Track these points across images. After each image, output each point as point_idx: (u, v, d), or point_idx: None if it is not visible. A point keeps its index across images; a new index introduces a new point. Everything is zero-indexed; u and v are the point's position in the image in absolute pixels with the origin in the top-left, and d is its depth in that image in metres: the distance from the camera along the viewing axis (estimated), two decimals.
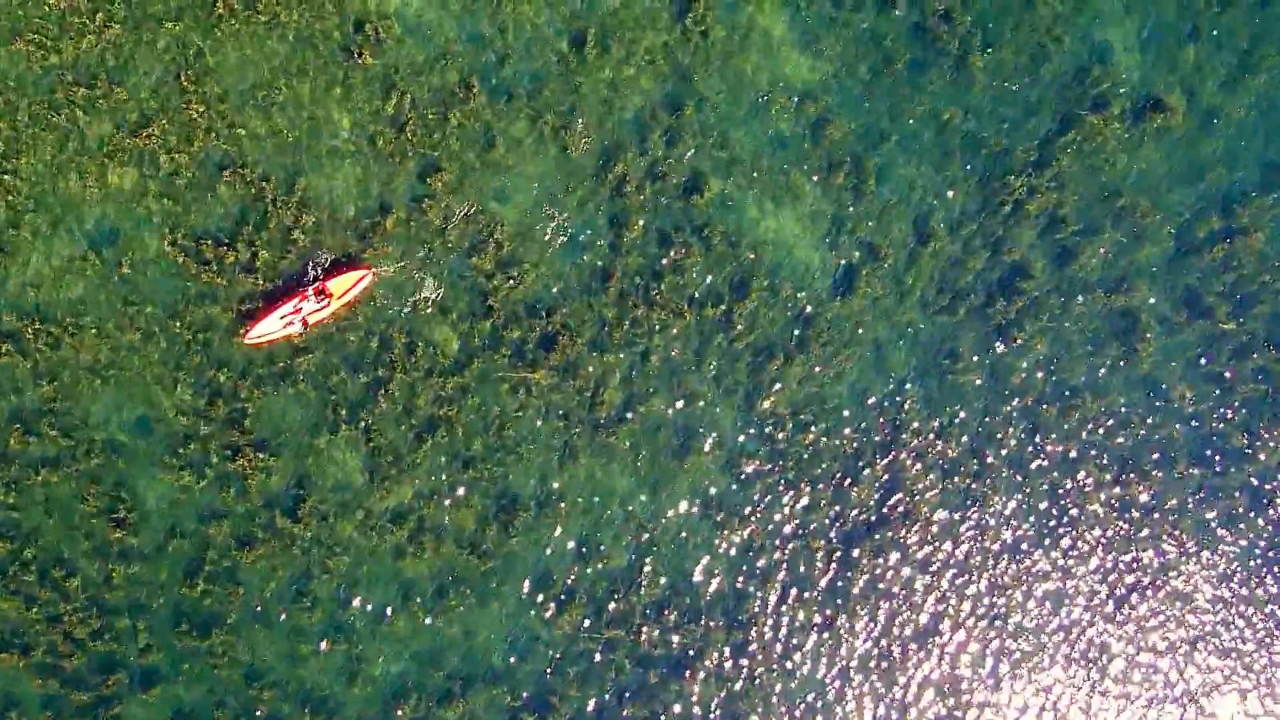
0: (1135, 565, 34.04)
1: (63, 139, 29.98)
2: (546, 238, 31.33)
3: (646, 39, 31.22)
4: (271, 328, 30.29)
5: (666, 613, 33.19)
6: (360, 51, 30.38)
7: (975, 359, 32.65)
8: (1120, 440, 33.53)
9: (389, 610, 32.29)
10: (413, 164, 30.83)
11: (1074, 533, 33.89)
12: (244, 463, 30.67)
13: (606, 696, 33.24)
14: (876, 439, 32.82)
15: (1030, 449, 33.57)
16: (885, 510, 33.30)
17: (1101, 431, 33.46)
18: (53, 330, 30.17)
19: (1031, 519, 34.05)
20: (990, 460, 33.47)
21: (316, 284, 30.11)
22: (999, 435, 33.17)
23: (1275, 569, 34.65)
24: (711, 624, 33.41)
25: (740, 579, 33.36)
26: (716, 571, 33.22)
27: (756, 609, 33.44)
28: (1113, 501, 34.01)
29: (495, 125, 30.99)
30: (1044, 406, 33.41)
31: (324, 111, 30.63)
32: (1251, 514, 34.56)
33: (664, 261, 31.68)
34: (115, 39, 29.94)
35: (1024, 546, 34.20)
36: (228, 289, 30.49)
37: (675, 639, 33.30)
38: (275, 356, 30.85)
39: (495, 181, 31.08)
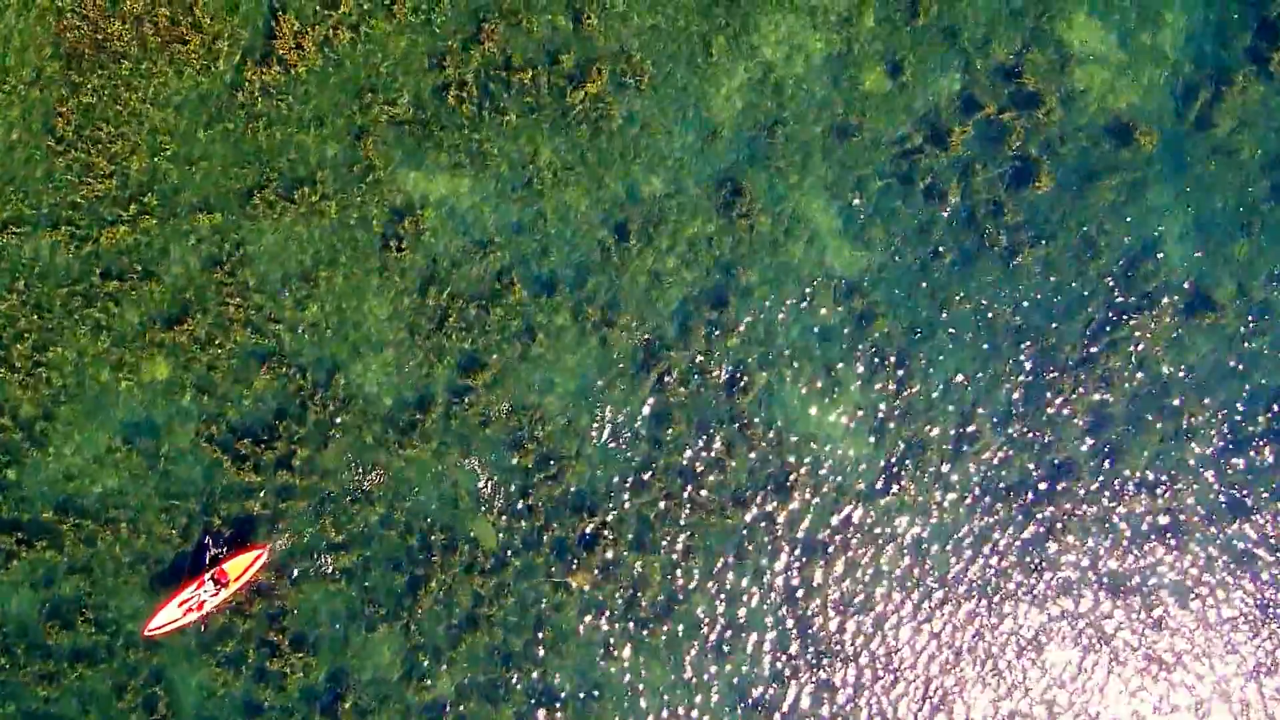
0: None
1: (96, 330, 29.73)
2: (588, 433, 30.91)
3: (690, 229, 30.80)
4: (172, 616, 29.68)
5: None
6: (400, 243, 29.98)
7: (1019, 559, 32.13)
8: (1162, 640, 32.97)
9: None
10: (452, 357, 30.42)
11: None
12: (281, 662, 30.24)
13: None
14: (918, 641, 32.28)
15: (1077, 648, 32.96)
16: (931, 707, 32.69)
17: (1147, 634, 32.80)
18: (86, 524, 29.75)
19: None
20: (1033, 658, 32.85)
21: (215, 569, 29.48)
22: (1043, 639, 32.60)
23: None
24: None
25: None
26: None
27: None
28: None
29: (536, 317, 30.58)
30: (1090, 605, 32.85)
31: (362, 303, 30.25)
32: None
33: (706, 458, 31.17)
34: (149, 230, 29.61)
35: None
36: (265, 485, 30.09)
37: None
38: (310, 553, 30.43)
39: (536, 373, 30.64)
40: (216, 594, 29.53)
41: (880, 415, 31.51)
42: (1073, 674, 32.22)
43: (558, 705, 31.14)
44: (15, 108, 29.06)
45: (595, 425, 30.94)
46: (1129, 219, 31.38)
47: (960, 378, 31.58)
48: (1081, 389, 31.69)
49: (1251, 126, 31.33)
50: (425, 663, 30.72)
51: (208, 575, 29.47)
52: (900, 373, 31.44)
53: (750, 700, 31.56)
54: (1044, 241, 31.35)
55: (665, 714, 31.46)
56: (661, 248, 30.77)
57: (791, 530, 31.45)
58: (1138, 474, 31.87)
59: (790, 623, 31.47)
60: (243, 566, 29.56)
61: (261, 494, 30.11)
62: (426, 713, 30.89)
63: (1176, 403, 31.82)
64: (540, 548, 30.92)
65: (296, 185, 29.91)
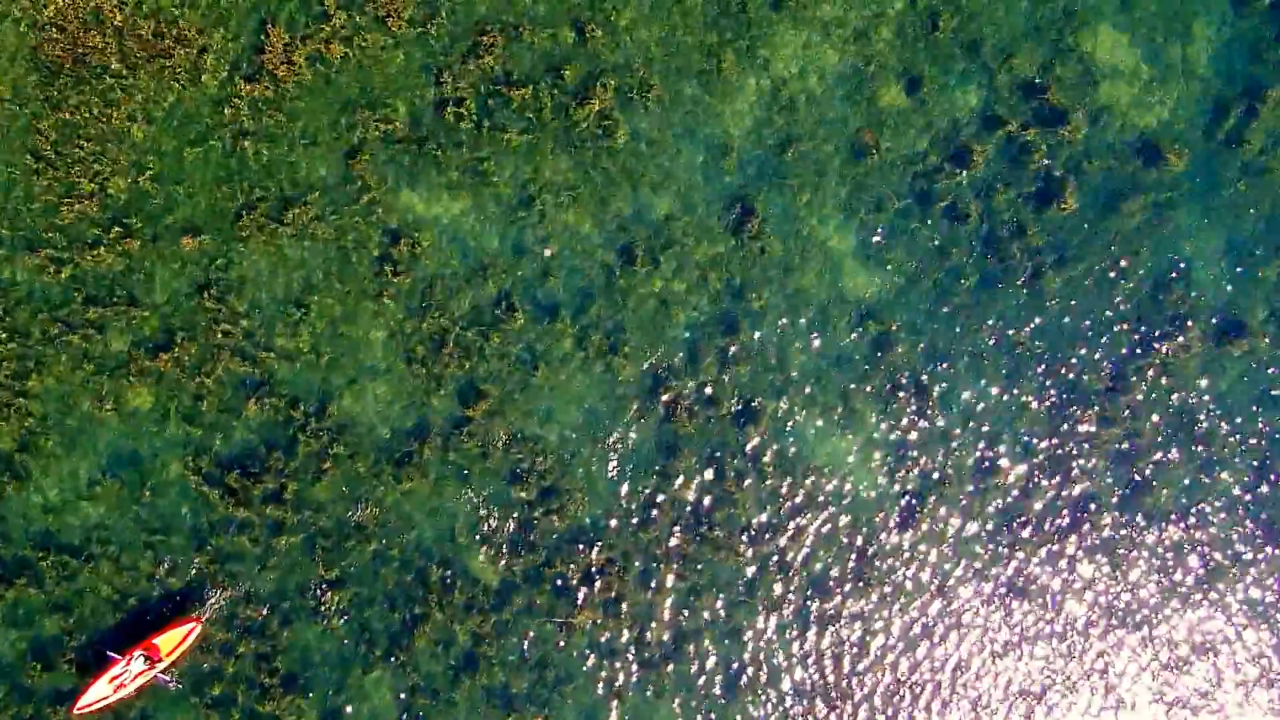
0: None
1: (77, 358, 28.49)
2: (592, 465, 29.65)
3: (699, 252, 29.55)
4: (102, 693, 28.15)
5: None
6: (395, 266, 28.73)
7: (1042, 597, 30.88)
8: (1191, 676, 31.72)
9: None
10: (450, 386, 29.17)
11: None
12: (273, 705, 28.93)
13: None
14: (934, 682, 31.02)
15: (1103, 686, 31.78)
16: None
17: (1176, 674, 31.58)
18: (68, 560, 28.46)
19: None
20: (1058, 700, 31.63)
21: (144, 642, 28.05)
22: (1070, 675, 31.35)
23: None
24: None
25: None
26: None
27: None
28: None
29: (538, 344, 29.33)
30: (1118, 640, 31.59)
31: (356, 329, 29.00)
32: None
33: (715, 492, 29.91)
34: (133, 253, 28.35)
35: None
36: (254, 520, 28.83)
37: None
38: (305, 592, 29.16)
39: (537, 403, 29.40)
40: (148, 670, 28.09)
41: (897, 446, 30.26)
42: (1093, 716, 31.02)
43: None
44: None
45: (599, 457, 29.65)
46: (1156, 241, 30.11)
47: (981, 406, 30.33)
48: (1106, 418, 30.40)
49: None
50: (423, 705, 29.41)
51: (137, 651, 28.00)
52: (918, 401, 30.18)
53: None
54: (1068, 264, 30.09)
55: None
56: (669, 271, 29.52)
57: (804, 566, 30.17)
58: (1165, 506, 30.60)
59: (803, 662, 30.21)
60: (176, 641, 28.25)
61: (251, 529, 28.88)
62: None
63: (1205, 432, 30.55)
64: (542, 584, 29.67)
65: (287, 206, 28.64)
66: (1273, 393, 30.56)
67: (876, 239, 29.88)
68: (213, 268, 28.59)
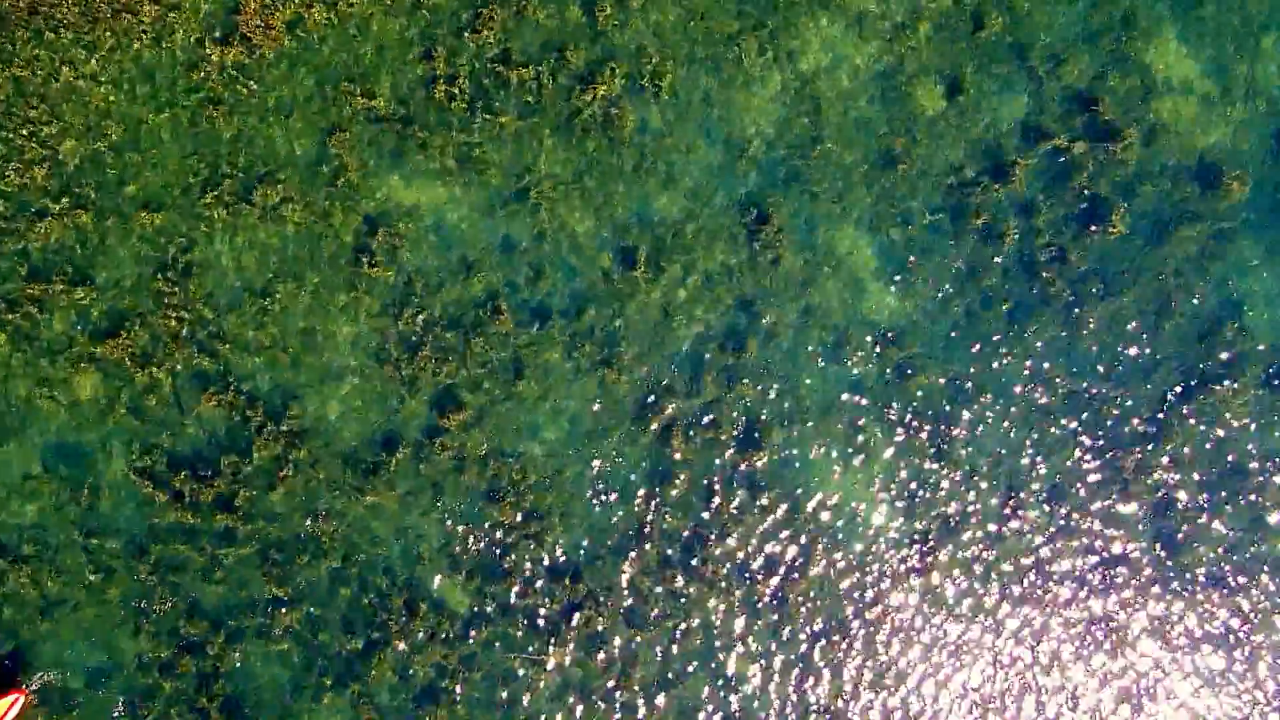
0: None
1: (17, 339, 26.00)
2: (578, 488, 27.07)
3: (707, 260, 26.92)
4: None
5: None
6: (372, 257, 26.16)
7: (1068, 662, 28.17)
8: None
9: None
10: (426, 392, 26.59)
11: None
12: None
13: None
14: None
15: None
16: None
17: None
18: None
19: None
20: None
21: None
22: None
23: None
24: None
25: None
26: None
27: None
28: None
29: (524, 351, 26.73)
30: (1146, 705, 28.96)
31: (325, 324, 26.43)
32: None
33: (711, 524, 27.27)
34: (84, 226, 25.82)
35: None
36: (202, 527, 26.28)
37: None
38: (254, 609, 26.60)
39: (521, 416, 26.81)
40: None
41: (913, 485, 27.55)
42: None
43: None
44: None
45: (585, 479, 27.07)
46: (1211, 275, 27.34)
47: (1007, 446, 27.61)
48: (1147, 468, 27.64)
49: None
50: None
51: None
52: (939, 437, 27.50)
53: None
54: (1111, 295, 27.35)
55: None
56: (672, 279, 26.88)
57: (805, 610, 27.50)
58: (1207, 570, 27.87)
59: (800, 715, 27.55)
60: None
61: (198, 537, 26.33)
62: None
63: (1255, 489, 27.82)
64: (515, 616, 27.04)
65: (256, 185, 26.08)
66: None
67: (902, 256, 27.27)
68: (171, 248, 26.05)
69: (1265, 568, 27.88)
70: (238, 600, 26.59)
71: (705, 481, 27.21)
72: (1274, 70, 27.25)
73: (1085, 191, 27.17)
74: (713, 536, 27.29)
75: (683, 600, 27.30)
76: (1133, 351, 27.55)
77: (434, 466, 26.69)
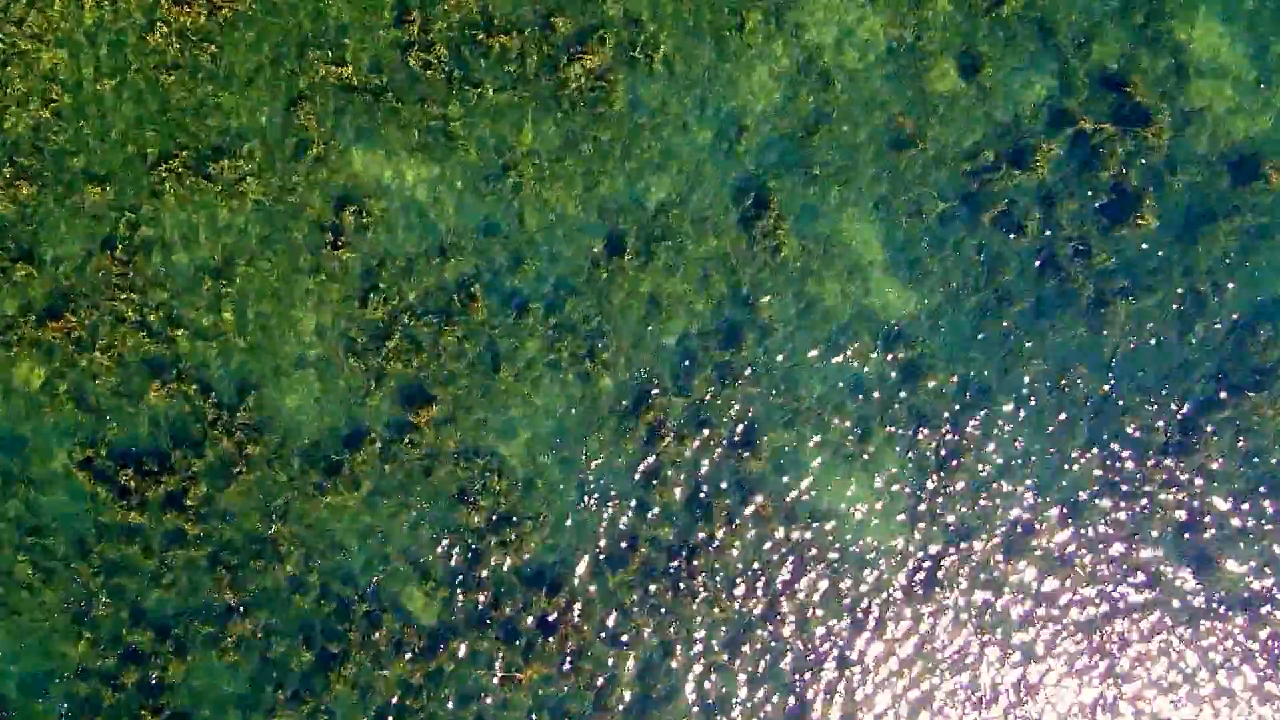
0: None
1: None
2: (557, 492, 25.15)
3: (702, 248, 24.94)
4: None
5: None
6: (339, 237, 24.22)
7: (1086, 691, 26.21)
8: None
9: None
10: (394, 385, 24.66)
11: None
12: None
13: None
14: None
15: None
16: None
17: None
18: None
19: None
20: None
21: None
22: None
23: None
24: None
25: None
26: None
27: None
28: None
29: (502, 343, 24.78)
30: None
31: (287, 310, 24.50)
32: None
33: (702, 533, 25.42)
34: (28, 200, 23.88)
35: None
36: (150, 527, 24.37)
37: None
38: (205, 617, 24.69)
39: (496, 413, 24.87)
40: None
41: (921, 495, 25.72)
42: None
43: None
44: None
45: (565, 482, 25.22)
46: (1246, 274, 25.35)
47: (1023, 455, 25.73)
48: (1171, 481, 25.78)
49: None
50: None
51: None
52: (950, 444, 25.64)
53: None
54: (1139, 293, 25.44)
55: None
56: (663, 267, 24.93)
57: (801, 629, 25.71)
58: (1238, 591, 25.89)
59: None
60: None
61: (145, 537, 24.43)
62: None
63: None
64: (487, 629, 25.14)
65: (215, 157, 24.13)
66: None
67: (912, 247, 25.34)
68: (120, 224, 24.13)
69: None
70: (187, 606, 24.80)
71: (694, 487, 25.36)
72: None
73: (1112, 181, 25.17)
74: (701, 547, 25.46)
75: (668, 615, 25.50)
76: (1162, 354, 25.65)
77: (402, 466, 24.84)
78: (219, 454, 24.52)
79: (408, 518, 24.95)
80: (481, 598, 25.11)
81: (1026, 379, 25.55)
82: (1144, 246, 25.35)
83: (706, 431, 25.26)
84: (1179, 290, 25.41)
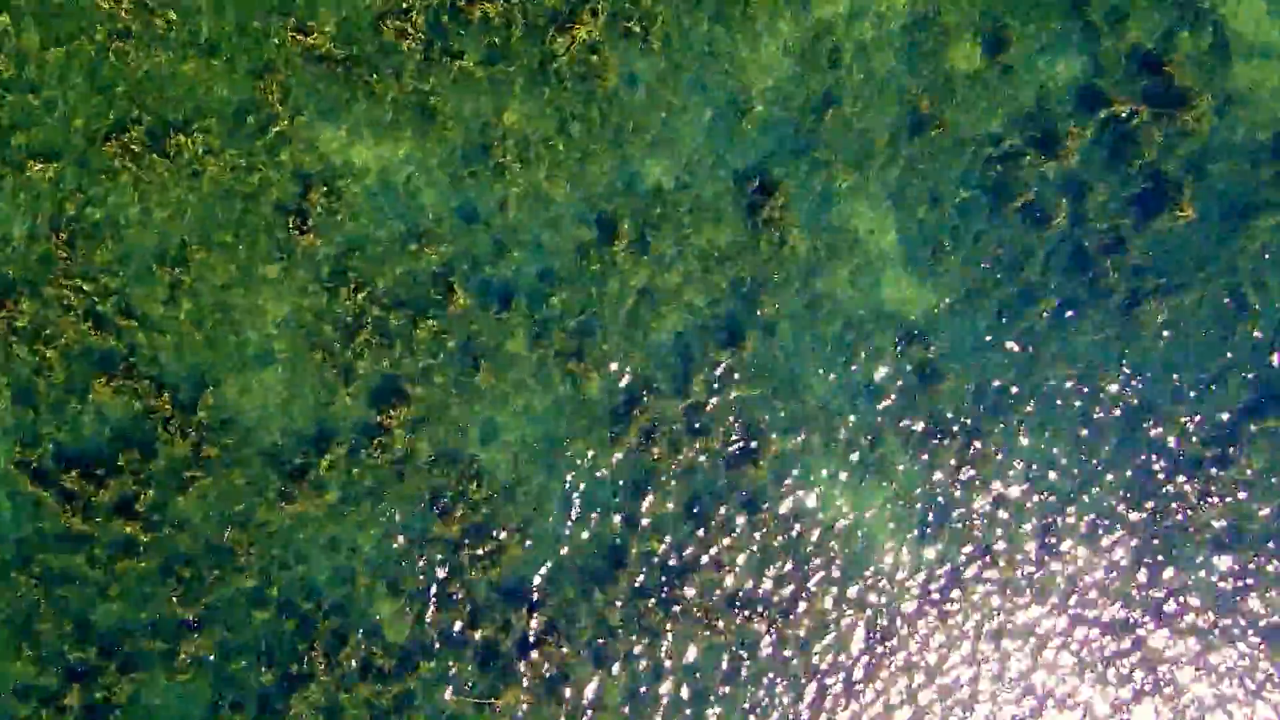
0: None
1: None
2: (540, 501, 23.66)
3: (700, 237, 23.47)
4: None
5: None
6: (306, 221, 22.60)
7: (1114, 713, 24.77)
8: None
9: None
10: (364, 382, 23.09)
11: None
12: None
13: None
14: None
15: None
16: None
17: None
18: None
19: None
20: None
21: None
22: None
23: None
24: None
25: None
26: None
27: None
28: None
29: (482, 338, 23.23)
30: None
31: (249, 300, 22.90)
32: None
33: (697, 546, 24.12)
34: None
35: None
36: (96, 535, 22.74)
37: None
38: (156, 632, 23.10)
39: (475, 414, 23.31)
40: None
41: (935, 507, 24.56)
42: None
43: None
44: None
45: (549, 491, 23.91)
46: None
47: (1047, 465, 24.58)
48: (1207, 494, 24.57)
49: None
50: None
51: None
52: (967, 452, 24.46)
53: None
54: (1175, 291, 24.35)
55: None
56: (659, 259, 23.50)
57: (803, 651, 24.50)
58: (1275, 618, 24.45)
59: None
60: None
61: (91, 546, 22.84)
62: None
63: None
64: (462, 649, 23.74)
65: (171, 132, 22.48)
66: None
67: (930, 239, 24.13)
68: (67, 205, 22.52)
69: None
70: (136, 622, 23.27)
71: (690, 497, 24.08)
72: None
73: (1147, 169, 24.04)
74: (697, 562, 24.17)
75: (659, 636, 24.21)
76: (1199, 358, 24.59)
77: (371, 471, 23.40)
78: (172, 456, 22.98)
79: (377, 527, 23.52)
80: (456, 615, 23.67)
81: (1051, 383, 24.38)
82: (1181, 241, 24.29)
83: (704, 437, 24.02)
84: (1218, 288, 24.40)
